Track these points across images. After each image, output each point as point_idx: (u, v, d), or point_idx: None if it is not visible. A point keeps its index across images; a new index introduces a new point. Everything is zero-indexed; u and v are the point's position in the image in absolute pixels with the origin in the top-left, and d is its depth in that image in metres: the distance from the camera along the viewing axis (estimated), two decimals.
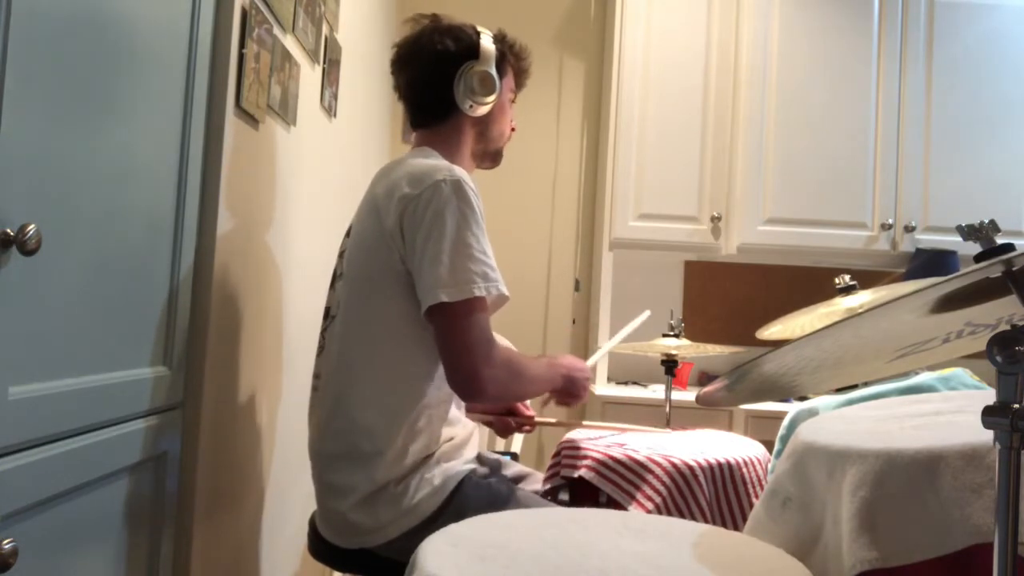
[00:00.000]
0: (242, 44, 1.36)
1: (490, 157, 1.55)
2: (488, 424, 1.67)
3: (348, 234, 1.46)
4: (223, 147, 1.31)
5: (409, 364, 1.32)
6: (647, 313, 1.89)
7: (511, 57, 1.51)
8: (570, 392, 1.47)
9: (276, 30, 1.54)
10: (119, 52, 1.02)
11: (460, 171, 1.31)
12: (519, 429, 1.67)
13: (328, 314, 1.42)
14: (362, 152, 2.56)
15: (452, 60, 1.43)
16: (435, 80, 1.43)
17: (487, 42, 1.45)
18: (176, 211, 1.22)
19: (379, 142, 2.91)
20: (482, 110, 1.45)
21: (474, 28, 1.48)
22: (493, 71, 1.44)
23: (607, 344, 1.94)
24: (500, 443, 2.44)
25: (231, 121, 1.34)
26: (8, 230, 0.79)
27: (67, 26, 0.90)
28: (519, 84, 1.56)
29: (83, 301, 0.97)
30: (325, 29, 1.95)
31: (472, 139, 1.49)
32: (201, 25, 1.25)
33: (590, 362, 1.68)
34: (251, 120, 1.45)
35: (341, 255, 1.44)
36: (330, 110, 2.07)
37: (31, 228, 0.80)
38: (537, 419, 1.67)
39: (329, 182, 2.12)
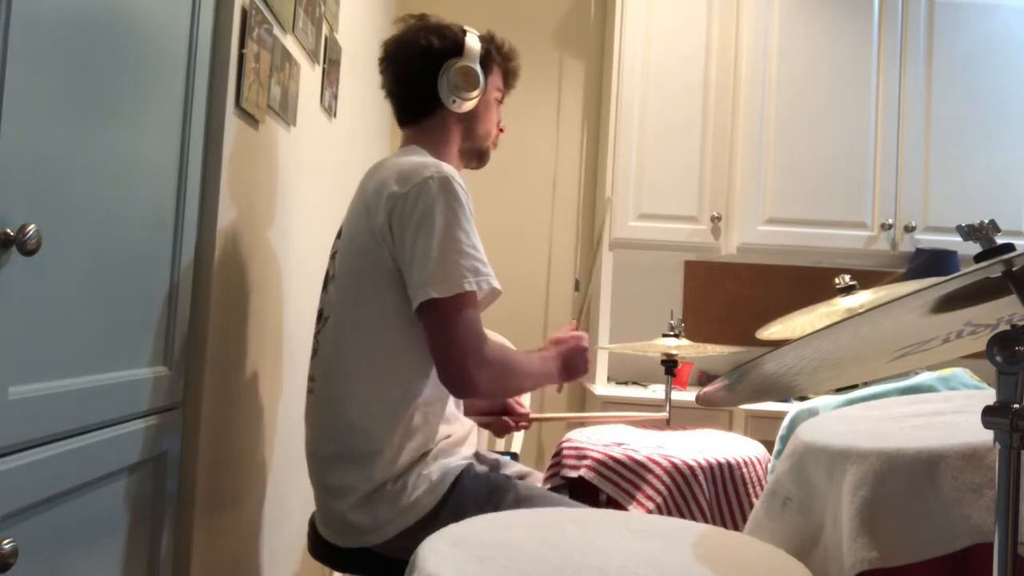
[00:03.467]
0: (242, 44, 1.36)
1: (476, 156, 1.55)
2: (485, 426, 1.66)
3: (339, 235, 1.46)
4: (223, 147, 1.31)
5: (403, 362, 1.32)
6: None
7: (498, 56, 1.52)
8: (572, 372, 1.47)
9: (276, 30, 1.54)
10: (119, 52, 1.02)
11: (448, 167, 1.31)
12: (516, 428, 1.67)
13: (321, 316, 1.43)
14: (362, 152, 2.56)
15: (436, 56, 1.44)
16: (419, 76, 1.44)
17: (472, 40, 1.47)
18: (176, 211, 1.22)
19: (379, 142, 2.91)
20: (466, 106, 1.46)
21: (460, 27, 1.49)
22: (477, 67, 1.44)
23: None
24: (500, 443, 2.44)
25: (231, 121, 1.34)
26: (8, 230, 0.79)
27: (67, 26, 0.90)
28: (507, 84, 1.57)
29: (83, 301, 0.97)
30: (325, 29, 1.95)
31: (458, 136, 1.50)
32: (201, 25, 1.25)
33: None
34: (251, 120, 1.45)
35: (332, 257, 1.45)
36: (330, 110, 2.07)
37: (31, 228, 0.80)
38: (533, 415, 1.67)
39: (329, 182, 2.12)
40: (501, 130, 1.58)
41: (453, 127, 1.48)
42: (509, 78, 1.56)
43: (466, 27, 1.50)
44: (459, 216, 1.27)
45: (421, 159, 1.35)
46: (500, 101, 1.56)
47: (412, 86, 1.46)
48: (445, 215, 1.26)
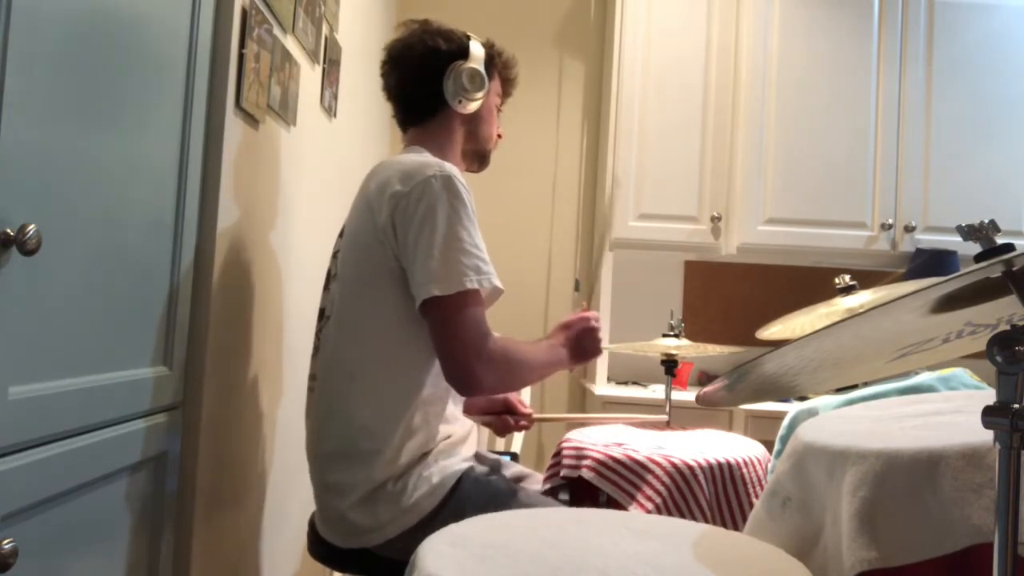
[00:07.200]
0: (242, 44, 1.36)
1: (478, 159, 1.58)
2: (487, 425, 1.67)
3: (341, 235, 1.46)
4: (223, 147, 1.31)
5: (404, 361, 1.32)
6: None
7: (499, 64, 1.55)
8: (584, 354, 1.46)
9: (276, 30, 1.54)
10: (119, 52, 1.02)
11: (450, 167, 1.32)
12: (517, 427, 1.67)
13: (322, 315, 1.43)
14: (362, 152, 2.56)
15: (442, 57, 1.46)
16: (425, 76, 1.46)
17: (476, 45, 1.50)
18: (176, 211, 1.22)
19: (379, 142, 2.91)
20: (471, 106, 1.48)
21: (464, 32, 1.51)
22: (482, 69, 1.47)
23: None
24: (500, 443, 2.44)
25: (231, 121, 1.34)
26: (8, 230, 0.79)
27: (67, 26, 0.90)
28: (506, 92, 1.60)
29: (83, 301, 0.97)
30: (325, 29, 1.95)
31: (462, 138, 1.52)
32: (201, 25, 1.25)
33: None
34: (251, 120, 1.45)
35: (335, 256, 1.45)
36: (330, 110, 2.07)
37: (31, 228, 0.80)
38: (535, 415, 1.67)
39: (329, 182, 2.12)
40: (499, 136, 1.60)
41: (457, 128, 1.50)
42: (507, 86, 1.60)
43: (469, 33, 1.52)
44: (461, 215, 1.28)
45: (424, 158, 1.35)
46: (499, 108, 1.58)
47: (418, 86, 1.47)
48: (448, 213, 1.27)
